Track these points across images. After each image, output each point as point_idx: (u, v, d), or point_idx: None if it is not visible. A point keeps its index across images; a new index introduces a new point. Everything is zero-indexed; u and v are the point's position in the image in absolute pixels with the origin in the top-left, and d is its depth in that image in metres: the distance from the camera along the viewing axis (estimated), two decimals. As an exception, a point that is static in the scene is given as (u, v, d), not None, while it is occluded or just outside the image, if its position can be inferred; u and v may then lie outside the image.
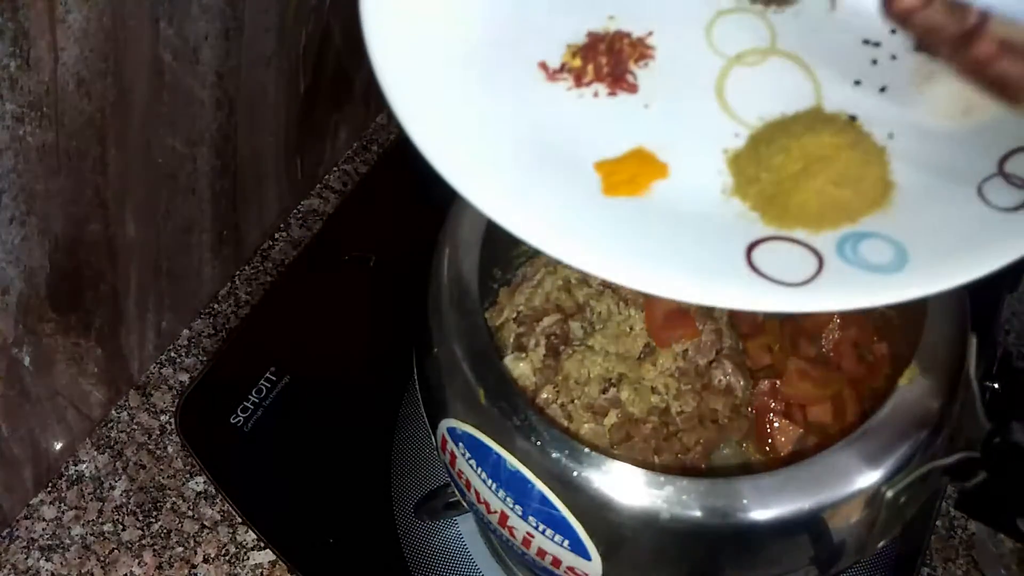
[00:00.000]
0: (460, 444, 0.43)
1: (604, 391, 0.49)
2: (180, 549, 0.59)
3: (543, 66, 0.40)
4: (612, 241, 0.34)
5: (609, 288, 0.53)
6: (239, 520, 0.59)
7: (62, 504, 0.60)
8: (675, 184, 0.37)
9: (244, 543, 0.59)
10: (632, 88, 0.40)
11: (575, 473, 0.39)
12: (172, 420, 0.63)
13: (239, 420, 0.62)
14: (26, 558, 0.58)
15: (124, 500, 0.60)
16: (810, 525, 0.39)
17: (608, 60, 0.40)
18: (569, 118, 0.39)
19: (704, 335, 0.51)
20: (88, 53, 0.47)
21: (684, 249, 0.34)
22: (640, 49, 0.41)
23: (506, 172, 0.36)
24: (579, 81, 0.40)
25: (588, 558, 0.40)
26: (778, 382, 0.51)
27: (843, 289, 0.32)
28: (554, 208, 0.35)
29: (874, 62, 0.40)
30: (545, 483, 0.40)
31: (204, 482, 0.61)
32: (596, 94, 0.40)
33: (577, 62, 0.40)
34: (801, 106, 0.39)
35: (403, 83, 0.38)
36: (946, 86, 0.38)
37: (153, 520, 0.60)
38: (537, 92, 0.39)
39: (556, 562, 0.42)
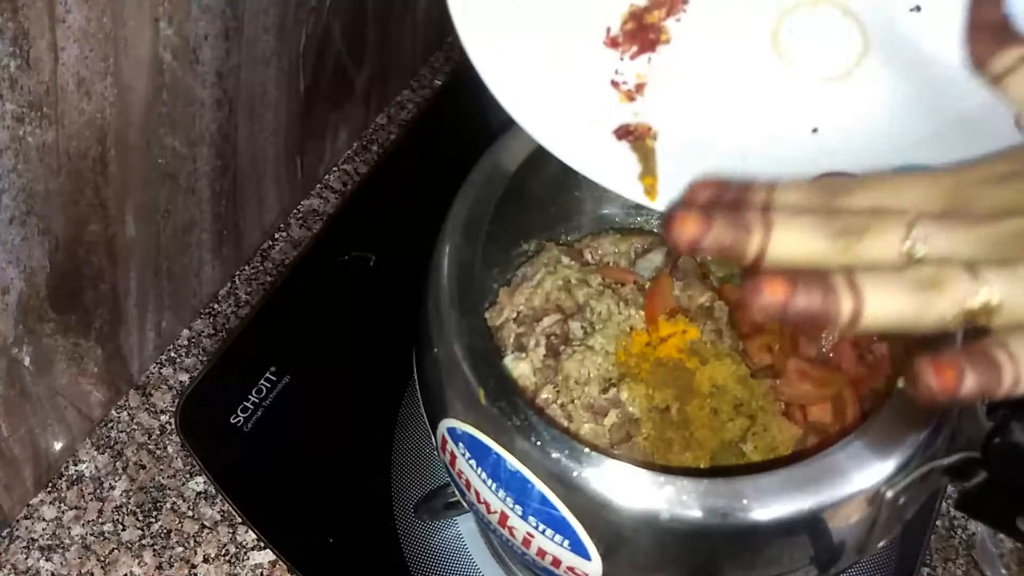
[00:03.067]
0: (460, 444, 0.43)
1: (604, 391, 0.49)
2: (180, 549, 0.59)
3: (608, 31, 0.45)
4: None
5: (609, 288, 0.53)
6: (239, 520, 0.59)
7: (62, 504, 0.60)
8: None
9: (244, 543, 0.59)
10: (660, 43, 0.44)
11: (575, 473, 0.39)
12: (172, 420, 0.63)
13: (239, 420, 0.62)
14: (26, 558, 0.58)
15: (124, 500, 0.60)
16: (810, 525, 0.39)
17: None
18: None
19: (704, 335, 0.51)
20: (88, 53, 0.47)
21: None
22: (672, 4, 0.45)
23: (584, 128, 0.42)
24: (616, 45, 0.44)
25: (588, 558, 0.40)
26: (778, 382, 0.51)
27: None
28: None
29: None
30: (545, 483, 0.40)
31: (204, 482, 0.61)
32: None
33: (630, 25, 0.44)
34: None
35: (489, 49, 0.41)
36: None
37: (153, 520, 0.60)
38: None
39: (556, 562, 0.42)
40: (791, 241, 0.32)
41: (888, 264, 0.31)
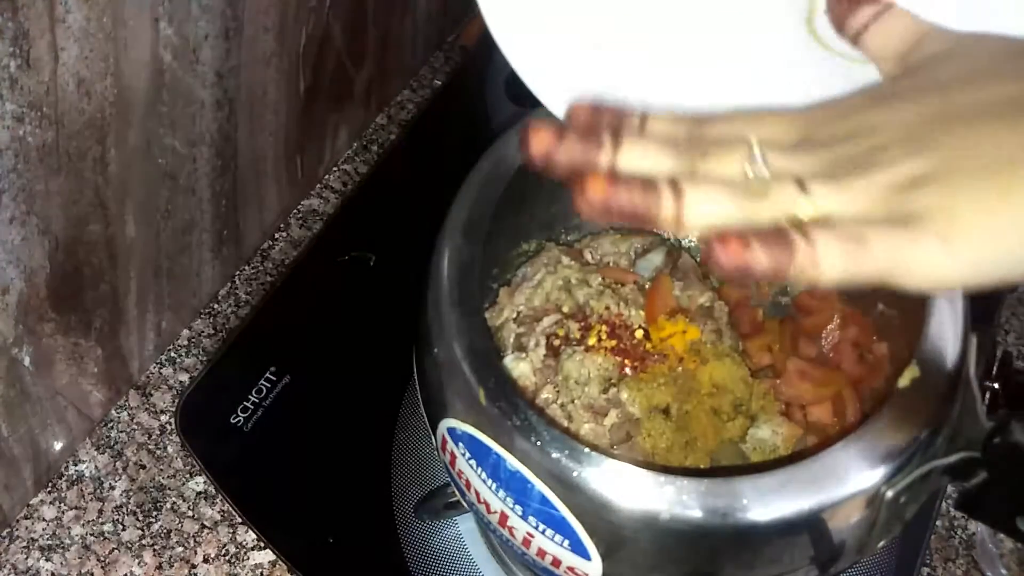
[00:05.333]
0: (460, 444, 0.43)
1: (604, 391, 0.49)
2: (180, 549, 0.59)
3: None
4: None
5: (609, 288, 0.53)
6: (239, 520, 0.59)
7: (62, 504, 0.60)
8: None
9: (244, 543, 0.59)
10: None
11: (575, 473, 0.39)
12: (172, 420, 0.63)
13: (239, 420, 0.62)
14: (26, 558, 0.58)
15: (124, 500, 0.60)
16: (810, 525, 0.39)
17: None
18: None
19: (704, 335, 0.51)
20: (88, 53, 0.47)
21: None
22: None
23: None
24: None
25: (588, 558, 0.40)
26: (778, 382, 0.51)
27: None
28: None
29: None
30: (545, 483, 0.40)
31: (204, 482, 0.61)
32: None
33: None
34: None
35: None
36: None
37: (153, 520, 0.60)
38: None
39: (556, 562, 0.42)
40: (639, 156, 0.34)
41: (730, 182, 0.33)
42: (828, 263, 0.31)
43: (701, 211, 0.32)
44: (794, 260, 0.31)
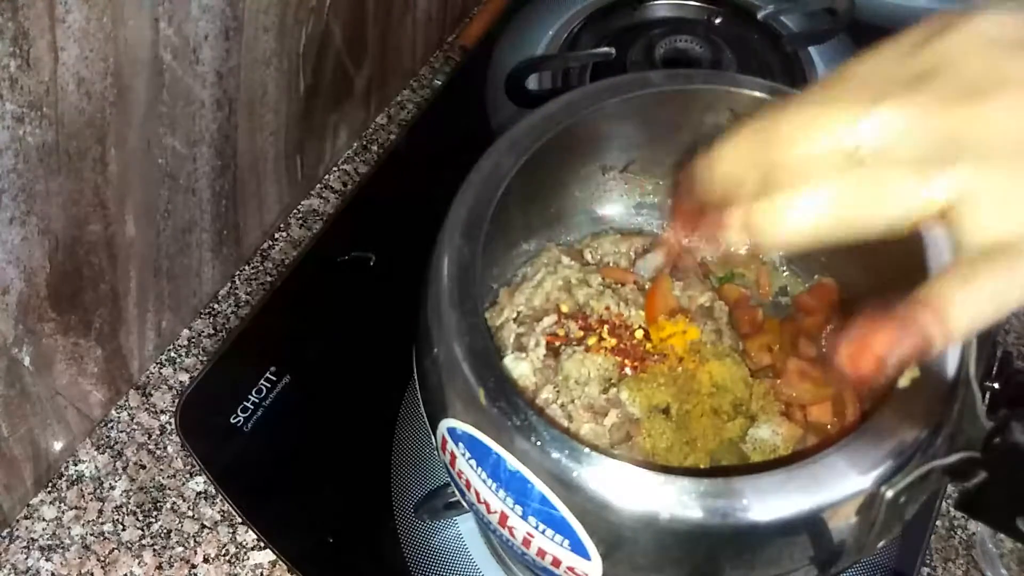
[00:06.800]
0: (460, 444, 0.43)
1: (604, 391, 0.49)
2: (180, 549, 0.59)
3: None
4: None
5: (609, 288, 0.53)
6: (239, 520, 0.59)
7: (62, 504, 0.60)
8: None
9: (244, 543, 0.59)
10: None
11: (575, 473, 0.39)
12: (172, 420, 0.63)
13: (239, 420, 0.62)
14: (26, 558, 0.58)
15: (124, 500, 0.60)
16: (810, 525, 0.39)
17: None
18: None
19: (704, 335, 0.51)
20: (88, 53, 0.47)
21: None
22: None
23: None
24: None
25: (588, 558, 0.40)
26: (778, 382, 0.51)
27: None
28: None
29: None
30: (545, 483, 0.40)
31: (204, 482, 0.61)
32: None
33: None
34: None
35: None
36: None
37: (153, 520, 0.60)
38: None
39: (556, 562, 0.42)
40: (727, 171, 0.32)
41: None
42: (962, 327, 0.28)
43: (783, 219, 0.29)
44: (925, 341, 0.28)
